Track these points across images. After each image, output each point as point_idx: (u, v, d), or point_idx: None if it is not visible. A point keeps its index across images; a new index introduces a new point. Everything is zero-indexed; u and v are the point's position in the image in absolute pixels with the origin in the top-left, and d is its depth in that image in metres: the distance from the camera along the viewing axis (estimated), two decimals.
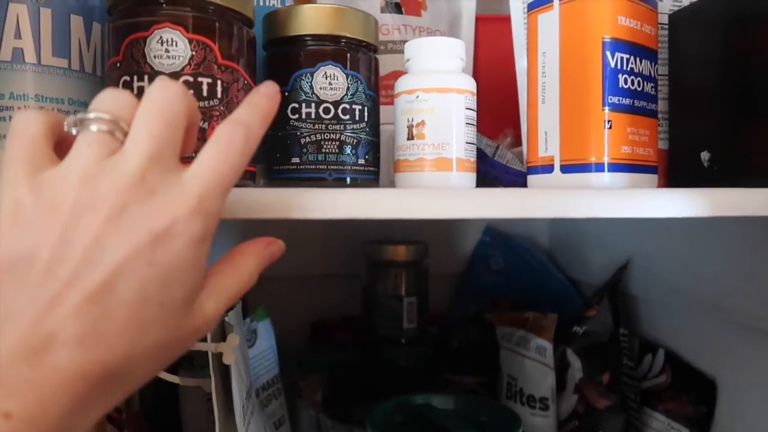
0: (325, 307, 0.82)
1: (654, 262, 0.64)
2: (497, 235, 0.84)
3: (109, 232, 0.22)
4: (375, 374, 0.66)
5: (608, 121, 0.37)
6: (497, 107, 0.55)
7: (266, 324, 0.61)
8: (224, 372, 0.37)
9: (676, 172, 0.44)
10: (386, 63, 0.54)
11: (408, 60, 0.40)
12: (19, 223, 0.23)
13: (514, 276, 0.82)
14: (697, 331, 0.58)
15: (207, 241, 0.25)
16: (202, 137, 0.32)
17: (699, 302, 0.57)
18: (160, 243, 0.23)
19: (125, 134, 0.24)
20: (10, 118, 0.33)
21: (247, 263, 0.28)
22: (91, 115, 0.24)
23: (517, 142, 0.55)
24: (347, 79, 0.39)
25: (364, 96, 0.40)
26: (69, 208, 0.22)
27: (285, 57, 0.39)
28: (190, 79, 0.32)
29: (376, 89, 0.42)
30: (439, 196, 0.31)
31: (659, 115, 0.45)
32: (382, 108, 0.44)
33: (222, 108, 0.33)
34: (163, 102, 0.24)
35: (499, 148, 0.50)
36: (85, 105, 0.35)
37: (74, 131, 0.24)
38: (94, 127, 0.24)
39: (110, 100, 0.25)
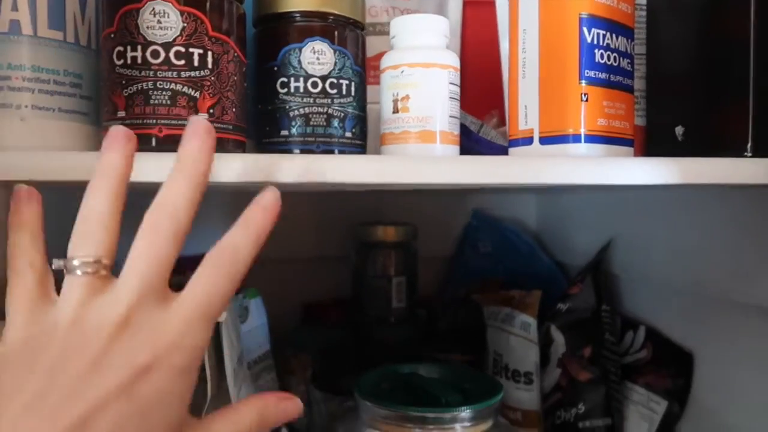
0: (317, 289, 0.83)
1: (635, 243, 0.65)
2: (485, 219, 0.86)
3: (93, 370, 0.24)
4: (364, 352, 0.68)
5: (585, 95, 0.38)
6: (484, 90, 0.56)
7: (258, 302, 0.62)
8: (215, 336, 0.38)
9: (652, 146, 0.45)
10: (374, 45, 0.56)
11: (393, 37, 0.42)
12: (10, 362, 0.24)
13: (502, 259, 0.83)
14: (676, 307, 0.59)
15: (189, 373, 0.26)
16: (194, 106, 0.34)
17: (678, 279, 0.58)
18: (141, 377, 0.24)
19: (110, 266, 0.26)
20: (9, 87, 0.34)
21: (249, 418, 0.28)
22: (75, 262, 0.26)
23: (502, 122, 0.56)
24: (334, 55, 0.40)
25: (351, 71, 0.41)
26: (57, 349, 0.24)
27: (274, 33, 0.40)
28: (182, 49, 0.33)
29: (363, 66, 0.43)
30: (423, 162, 0.33)
31: (637, 93, 0.47)
32: (369, 88, 0.45)
33: (213, 78, 0.34)
34: (156, 236, 0.26)
35: (484, 126, 0.51)
36: (80, 77, 0.37)
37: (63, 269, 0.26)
38: (78, 272, 0.26)
39: (89, 239, 0.26)
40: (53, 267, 0.27)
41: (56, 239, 0.31)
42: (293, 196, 0.84)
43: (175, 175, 0.28)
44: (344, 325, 0.74)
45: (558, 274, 0.78)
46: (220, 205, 0.81)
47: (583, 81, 0.38)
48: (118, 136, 0.28)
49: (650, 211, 0.63)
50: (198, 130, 0.28)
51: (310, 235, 0.84)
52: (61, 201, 0.40)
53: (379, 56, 0.56)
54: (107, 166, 0.28)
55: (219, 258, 0.27)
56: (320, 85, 0.40)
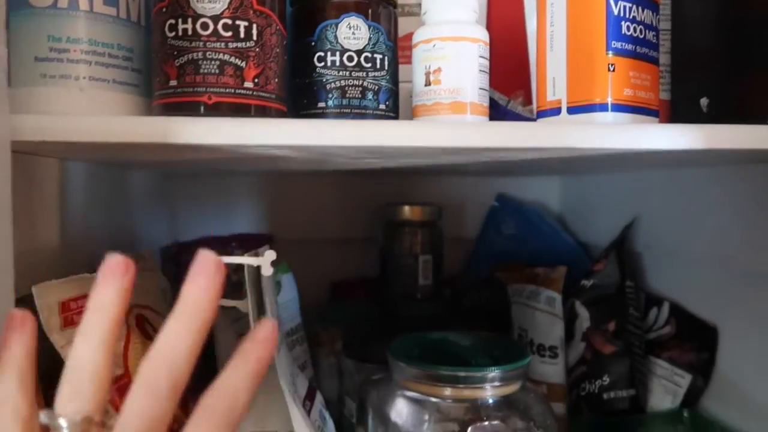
0: (344, 269, 0.85)
1: (658, 221, 0.66)
2: (508, 202, 0.87)
3: None
4: (392, 327, 0.70)
5: (611, 65, 0.39)
6: (509, 70, 0.58)
7: (289, 277, 0.65)
8: (257, 294, 0.40)
9: (678, 119, 0.46)
10: (404, 25, 0.57)
11: (425, 13, 0.43)
12: None
13: (525, 240, 0.85)
14: (699, 281, 0.60)
15: None
16: (240, 75, 0.36)
17: (702, 254, 0.59)
18: None
19: (101, 423, 0.25)
20: (68, 60, 0.36)
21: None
22: (62, 421, 0.24)
23: (528, 101, 0.58)
24: (369, 30, 0.42)
25: (384, 46, 0.43)
26: None
27: (311, 9, 0.42)
28: (229, 21, 0.35)
29: (395, 41, 0.45)
30: (457, 126, 0.34)
31: (662, 68, 0.48)
32: (399, 67, 0.47)
33: (257, 49, 0.36)
34: (153, 397, 0.25)
35: (510, 102, 0.53)
36: (131, 51, 0.39)
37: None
38: None
39: (79, 394, 0.25)
40: (41, 421, 0.25)
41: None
42: (321, 181, 0.86)
43: (177, 319, 0.26)
44: (371, 302, 0.76)
45: (581, 254, 0.79)
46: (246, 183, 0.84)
47: (610, 52, 0.39)
48: (115, 268, 0.26)
49: (672, 190, 0.64)
50: (206, 267, 0.26)
51: (337, 218, 0.87)
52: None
53: (409, 37, 0.59)
54: (101, 304, 0.26)
55: (216, 408, 0.25)
56: (355, 59, 0.42)
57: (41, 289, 0.36)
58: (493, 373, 0.42)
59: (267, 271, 0.37)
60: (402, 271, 0.73)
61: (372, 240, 0.80)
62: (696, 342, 0.59)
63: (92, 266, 0.29)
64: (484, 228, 0.88)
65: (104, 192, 0.57)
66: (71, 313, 0.37)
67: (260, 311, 0.41)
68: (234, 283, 0.59)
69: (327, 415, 0.50)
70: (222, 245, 0.84)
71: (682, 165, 0.60)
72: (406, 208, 0.72)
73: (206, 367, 0.54)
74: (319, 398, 0.50)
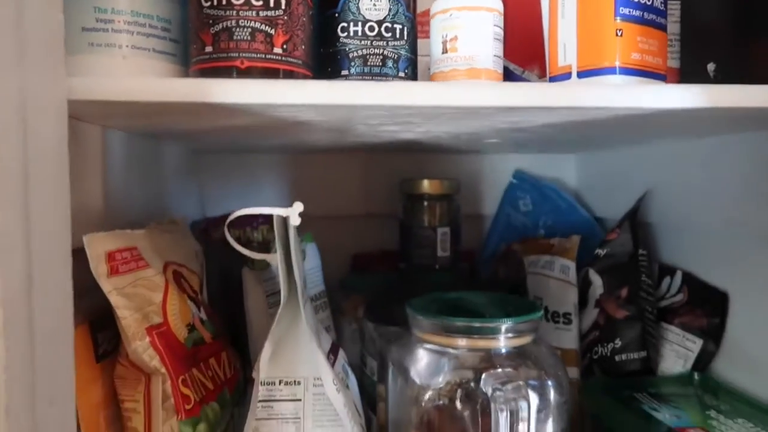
0: (365, 243, 0.88)
1: (671, 192, 0.68)
2: (525, 178, 0.89)
3: None
4: (411, 296, 0.72)
5: (619, 30, 0.41)
6: (525, 45, 0.60)
7: (313, 246, 0.68)
8: (285, 247, 0.43)
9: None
10: (423, 3, 0.60)
11: None
12: None
13: (542, 216, 0.87)
14: (711, 249, 0.62)
15: None
16: (270, 41, 0.39)
17: (713, 222, 0.61)
18: None
19: None
20: (113, 29, 0.40)
21: None
22: None
23: (542, 74, 0.60)
24: (389, 2, 0.45)
25: (403, 17, 0.45)
26: None
27: None
28: None
29: (414, 12, 0.47)
30: (470, 85, 0.37)
31: (671, 36, 0.50)
32: (418, 42, 0.49)
33: (285, 17, 0.39)
34: None
35: (525, 72, 0.55)
36: (169, 22, 0.42)
37: None
38: None
39: None
40: None
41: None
42: (343, 159, 0.89)
43: None
44: (391, 273, 0.79)
45: (596, 228, 0.81)
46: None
47: (618, 18, 0.41)
48: None
49: (684, 162, 0.65)
50: None
51: (359, 194, 0.90)
52: None
53: (426, 12, 0.61)
54: None
55: None
56: (376, 29, 0.44)
57: (91, 238, 0.39)
58: (506, 324, 0.44)
59: (295, 220, 0.40)
60: (421, 243, 0.75)
61: (392, 216, 0.83)
62: (707, 308, 0.61)
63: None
64: (502, 204, 0.90)
65: (140, 162, 0.61)
66: (116, 263, 0.41)
67: (288, 265, 0.44)
68: (260, 242, 0.62)
69: (349, 370, 0.53)
70: (248, 220, 0.88)
71: (692, 134, 0.61)
72: (425, 182, 0.75)
73: (237, 324, 0.57)
74: (342, 354, 0.53)
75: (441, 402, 0.46)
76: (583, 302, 0.66)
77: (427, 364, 0.46)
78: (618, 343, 0.62)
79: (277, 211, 0.40)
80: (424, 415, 0.46)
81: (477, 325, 0.45)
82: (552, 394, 0.46)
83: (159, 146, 0.67)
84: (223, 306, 0.56)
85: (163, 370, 0.41)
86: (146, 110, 0.39)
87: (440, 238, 0.75)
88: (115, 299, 0.40)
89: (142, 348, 0.40)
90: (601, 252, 0.67)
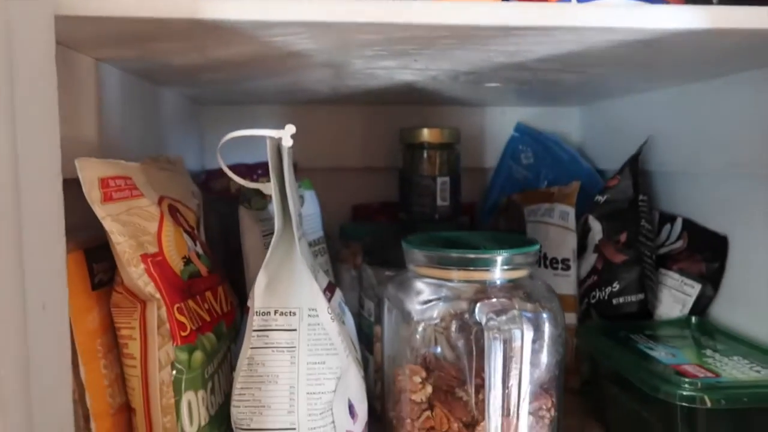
0: (365, 195, 0.88)
1: (672, 138, 0.67)
2: (528, 131, 0.88)
3: None
4: None
5: None
6: None
7: (311, 194, 0.68)
8: (279, 175, 0.43)
9: None
10: None
11: None
12: None
13: (543, 169, 0.86)
14: (711, 193, 0.61)
15: None
16: None
17: (714, 165, 0.60)
18: None
19: None
20: None
21: None
22: None
23: None
24: None
25: None
26: None
27: None
28: None
29: None
30: (464, 4, 0.36)
31: None
32: None
33: None
34: None
35: None
36: None
37: None
38: None
39: None
40: None
41: None
42: (343, 111, 0.89)
43: None
44: (391, 224, 0.79)
45: (598, 179, 0.80)
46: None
47: None
48: None
49: (685, 107, 0.64)
50: None
51: (358, 147, 0.89)
52: None
53: None
54: None
55: None
56: None
57: (83, 163, 0.39)
58: (501, 256, 0.44)
59: (287, 142, 0.40)
60: (421, 192, 0.75)
61: (392, 168, 0.82)
62: (707, 252, 0.61)
63: None
64: (503, 157, 0.89)
65: (138, 105, 0.60)
66: (110, 190, 0.41)
67: (282, 194, 0.44)
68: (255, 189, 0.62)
69: (346, 309, 0.53)
70: (248, 172, 0.87)
71: (694, 74, 0.60)
72: (425, 131, 0.74)
73: (234, 264, 0.57)
74: (339, 294, 0.54)
75: (436, 334, 0.46)
76: (582, 248, 0.66)
77: (423, 297, 0.47)
78: (616, 286, 0.62)
79: (268, 133, 0.40)
80: (419, 348, 0.46)
81: (472, 256, 0.44)
82: (546, 326, 0.46)
83: (157, 91, 0.67)
84: (223, 259, 0.56)
85: (158, 296, 0.41)
86: (137, 31, 0.38)
87: (440, 188, 0.75)
88: (109, 225, 0.40)
89: (136, 274, 0.41)
90: (601, 198, 0.67)
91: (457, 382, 0.46)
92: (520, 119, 0.90)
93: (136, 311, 0.42)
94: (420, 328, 0.46)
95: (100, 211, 0.40)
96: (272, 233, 0.58)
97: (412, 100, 0.82)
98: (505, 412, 0.41)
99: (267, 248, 0.56)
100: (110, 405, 0.42)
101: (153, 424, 0.42)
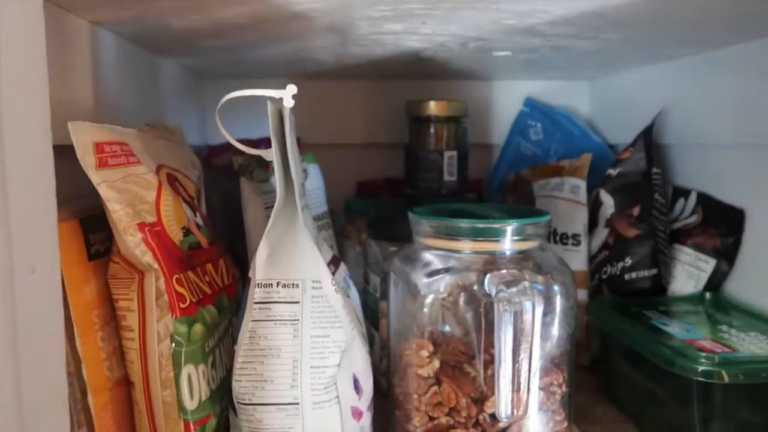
0: (370, 172, 0.86)
1: (687, 109, 0.65)
2: (537, 106, 0.86)
3: None
4: None
5: None
6: None
7: (315, 167, 0.66)
8: (281, 138, 0.41)
9: None
10: None
11: None
12: None
13: (553, 144, 0.84)
14: (727, 165, 0.59)
15: None
16: None
17: (730, 136, 0.58)
18: None
19: None
20: None
21: None
22: None
23: None
24: None
25: None
26: None
27: None
28: None
29: None
30: None
31: None
32: None
33: None
34: None
35: None
36: None
37: None
38: None
39: None
40: None
41: None
42: (348, 86, 0.87)
43: None
44: (397, 200, 0.78)
45: (610, 154, 0.78)
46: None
47: None
48: None
49: (700, 76, 0.62)
50: None
51: (363, 123, 0.87)
52: None
53: None
54: None
55: None
56: None
57: (77, 126, 0.37)
58: (511, 226, 0.43)
59: (288, 102, 0.38)
60: (427, 167, 0.73)
61: (397, 145, 0.80)
62: (722, 227, 0.59)
63: None
64: (511, 133, 0.87)
65: (136, 73, 0.59)
66: (105, 156, 0.39)
67: (284, 160, 0.42)
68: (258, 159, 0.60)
69: (351, 283, 0.52)
70: (252, 145, 0.86)
71: (709, 42, 0.58)
72: (432, 104, 0.72)
73: (238, 242, 0.56)
74: (343, 267, 0.52)
75: (443, 308, 0.45)
76: (593, 223, 0.64)
77: (430, 269, 0.45)
78: (628, 261, 0.60)
79: (269, 93, 0.38)
80: (426, 322, 0.45)
81: (481, 226, 0.43)
82: (558, 299, 0.44)
83: (156, 61, 0.65)
84: (228, 238, 0.54)
85: (156, 266, 0.40)
86: None
87: (447, 162, 0.73)
88: (105, 191, 0.38)
89: (133, 243, 0.39)
90: (613, 172, 0.65)
91: (465, 357, 0.44)
92: (529, 94, 0.87)
93: (134, 282, 0.41)
94: (427, 302, 0.44)
95: (95, 177, 0.38)
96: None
97: (418, 73, 0.80)
98: (515, 387, 0.40)
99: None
100: (108, 378, 0.41)
101: (152, 397, 0.41)
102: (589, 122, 0.87)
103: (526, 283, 0.40)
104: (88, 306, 0.40)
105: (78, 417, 0.37)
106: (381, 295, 0.58)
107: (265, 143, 0.85)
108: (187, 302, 0.42)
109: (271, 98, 0.39)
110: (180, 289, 0.42)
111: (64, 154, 0.36)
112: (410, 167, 0.75)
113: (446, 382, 0.43)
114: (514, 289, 0.40)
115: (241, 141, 0.82)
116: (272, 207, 0.56)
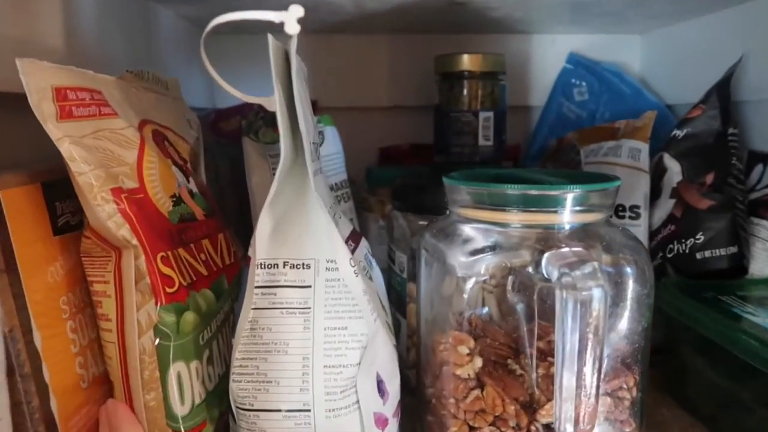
0: (394, 137, 0.78)
1: (765, 59, 0.55)
2: (582, 62, 0.76)
3: None
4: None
5: None
6: None
7: (333, 130, 0.58)
8: (285, 83, 0.33)
9: None
10: None
11: None
12: None
13: (601, 105, 0.75)
14: None
15: None
16: None
17: None
18: None
19: None
20: None
21: None
22: None
23: None
24: None
25: None
26: None
27: None
28: None
29: None
30: None
31: None
32: None
33: None
34: None
35: None
36: None
37: None
38: None
39: None
40: None
41: None
42: (370, 42, 0.78)
43: None
44: (424, 168, 0.69)
45: (669, 115, 0.69)
46: None
47: None
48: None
49: None
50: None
51: (386, 83, 0.79)
52: None
53: None
54: None
55: None
56: None
57: (28, 64, 0.30)
58: (573, 193, 0.34)
59: (293, 28, 0.29)
60: (460, 130, 0.64)
61: (423, 108, 0.72)
62: None
63: None
64: (553, 93, 0.78)
65: (125, 20, 0.51)
66: (68, 104, 0.31)
67: (290, 109, 0.34)
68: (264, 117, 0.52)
69: (373, 261, 0.44)
70: (263, 112, 0.78)
71: None
72: (465, 57, 0.63)
73: (246, 211, 0.48)
74: (364, 243, 0.44)
75: (485, 293, 0.36)
76: (655, 193, 0.55)
77: (471, 247, 0.37)
78: (700, 238, 0.51)
79: (267, 15, 0.29)
80: (465, 310, 0.37)
81: (535, 193, 0.34)
82: (630, 284, 0.36)
83: (152, 8, 0.57)
84: (235, 212, 0.47)
85: (135, 241, 0.32)
86: None
87: (482, 124, 0.64)
88: (67, 149, 0.31)
89: (106, 213, 0.32)
90: (679, 133, 0.55)
91: (509, 352, 0.36)
92: (573, 49, 0.77)
93: (111, 262, 0.34)
94: (467, 286, 0.36)
95: (55, 130, 0.30)
96: None
97: (449, 24, 0.71)
98: (581, 393, 0.32)
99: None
100: (81, 377, 0.34)
101: (133, 401, 0.34)
102: (641, 80, 0.77)
103: (596, 264, 0.32)
104: (53, 290, 0.33)
105: (37, 430, 0.30)
106: (409, 275, 0.50)
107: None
108: (176, 286, 0.34)
109: (273, 31, 0.30)
110: (166, 270, 0.34)
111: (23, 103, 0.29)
112: (440, 130, 0.66)
113: (490, 385, 0.35)
114: (579, 273, 0.32)
115: (245, 106, 0.74)
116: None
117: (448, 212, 0.40)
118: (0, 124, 0.36)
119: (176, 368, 0.34)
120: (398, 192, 0.53)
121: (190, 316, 0.35)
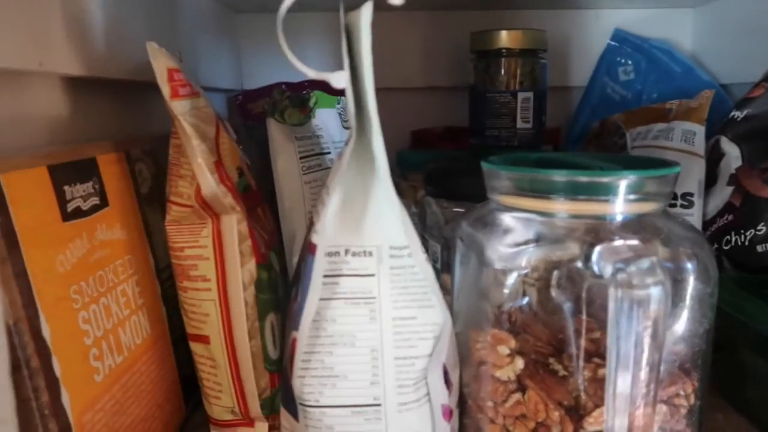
0: (427, 120, 0.75)
1: None
2: (628, 39, 0.72)
3: None
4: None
5: None
6: None
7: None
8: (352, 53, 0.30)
9: None
10: None
11: None
12: None
13: (648, 86, 0.70)
14: None
15: None
16: None
17: None
18: None
19: None
20: None
21: None
22: None
23: None
24: None
25: None
26: None
27: None
28: None
29: None
30: None
31: None
32: None
33: None
34: None
35: None
36: None
37: None
38: None
39: None
40: None
41: None
42: (402, 20, 0.74)
43: None
44: (459, 152, 0.66)
45: (724, 95, 0.64)
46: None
47: None
48: None
49: None
50: None
51: (419, 63, 0.75)
52: None
53: None
54: None
55: None
56: None
57: (152, 48, 0.33)
58: (627, 179, 0.31)
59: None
60: (497, 111, 0.61)
61: (459, 88, 0.68)
62: None
63: None
64: (596, 72, 0.74)
65: (150, 1, 0.48)
66: (176, 84, 0.35)
67: (358, 83, 0.31)
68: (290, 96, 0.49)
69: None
70: (296, 86, 0.75)
71: None
72: (504, 33, 0.59)
73: (266, 184, 0.46)
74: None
75: (527, 286, 0.33)
76: (710, 180, 0.51)
77: (512, 238, 0.34)
78: (762, 229, 0.47)
79: None
80: (506, 306, 0.34)
81: (585, 180, 0.31)
82: (691, 282, 0.32)
83: None
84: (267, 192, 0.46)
85: (238, 208, 0.36)
86: None
87: (521, 105, 0.60)
88: (183, 126, 0.34)
89: (215, 183, 0.34)
90: (738, 114, 0.51)
91: (551, 351, 0.33)
92: (618, 24, 0.73)
93: (206, 227, 0.36)
94: (508, 281, 0.33)
95: (174, 108, 0.34)
96: (311, 155, 0.46)
97: (485, 0, 0.67)
98: (636, 400, 0.29)
99: (304, 174, 0.45)
100: (95, 369, 0.32)
101: (237, 350, 0.37)
102: (692, 58, 0.72)
103: (654, 260, 0.28)
104: (63, 280, 0.31)
105: (47, 427, 0.28)
106: (443, 266, 0.47)
107: (307, 87, 0.74)
108: (263, 247, 0.38)
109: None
110: (256, 233, 0.38)
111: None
112: (476, 112, 0.63)
113: (532, 389, 0.32)
114: (635, 268, 0.28)
115: (278, 84, 0.72)
116: (308, 157, 0.46)
117: (485, 199, 0.37)
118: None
119: (269, 318, 0.38)
120: (432, 177, 0.50)
121: (273, 273, 0.39)
